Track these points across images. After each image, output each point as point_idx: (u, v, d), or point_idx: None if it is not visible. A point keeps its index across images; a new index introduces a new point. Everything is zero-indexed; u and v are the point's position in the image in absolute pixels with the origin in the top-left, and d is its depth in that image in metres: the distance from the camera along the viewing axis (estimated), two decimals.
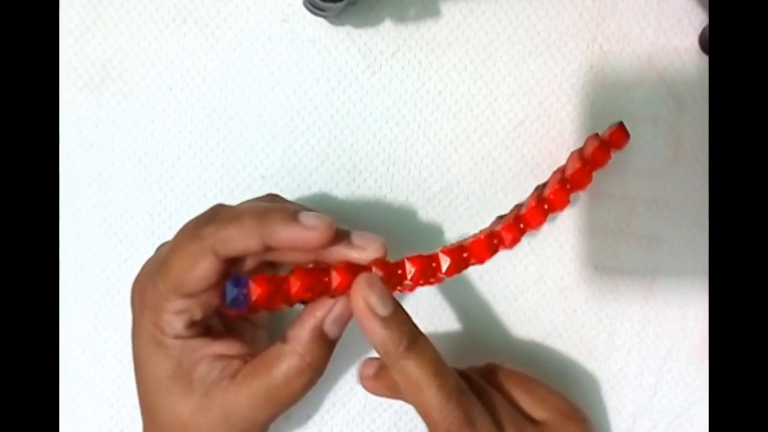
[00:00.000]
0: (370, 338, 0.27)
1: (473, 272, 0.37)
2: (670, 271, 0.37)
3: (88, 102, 0.35)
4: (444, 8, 0.36)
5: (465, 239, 0.32)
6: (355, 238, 0.27)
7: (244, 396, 0.27)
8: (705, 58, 0.37)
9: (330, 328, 0.27)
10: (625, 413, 0.37)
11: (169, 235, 0.29)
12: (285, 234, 0.26)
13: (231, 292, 0.26)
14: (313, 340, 0.27)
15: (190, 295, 0.27)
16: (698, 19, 0.37)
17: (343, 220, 0.28)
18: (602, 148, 0.33)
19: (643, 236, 0.37)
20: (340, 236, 0.27)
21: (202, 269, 0.26)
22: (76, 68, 0.35)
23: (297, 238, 0.26)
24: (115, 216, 0.36)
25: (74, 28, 0.35)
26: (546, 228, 0.36)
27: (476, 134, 0.36)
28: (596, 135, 0.35)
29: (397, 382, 0.28)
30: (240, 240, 0.26)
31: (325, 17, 0.35)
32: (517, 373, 0.33)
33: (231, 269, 0.27)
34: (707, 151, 0.36)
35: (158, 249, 0.30)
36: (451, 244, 0.31)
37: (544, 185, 0.35)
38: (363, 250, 0.27)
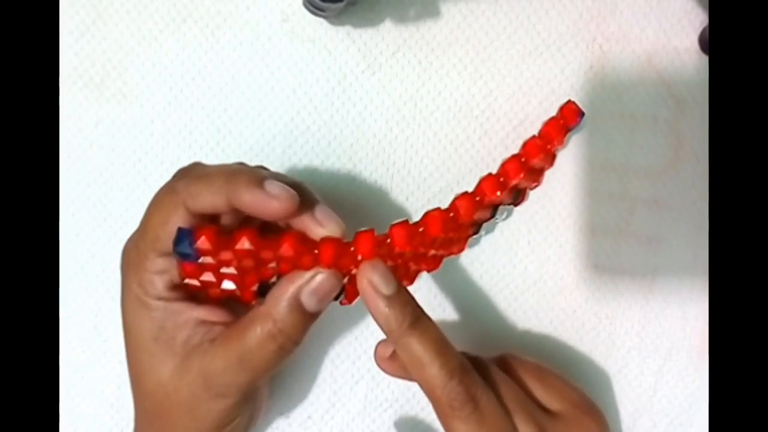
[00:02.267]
0: (375, 316, 0.27)
1: (472, 272, 0.37)
2: (670, 271, 0.37)
3: (88, 102, 0.35)
4: (444, 8, 0.36)
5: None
6: (318, 212, 0.28)
7: (220, 358, 0.27)
8: (705, 58, 0.37)
9: (307, 299, 0.27)
10: (625, 413, 0.37)
11: None
12: (247, 197, 0.26)
13: (179, 236, 0.25)
14: (288, 308, 0.27)
15: (167, 254, 0.27)
16: (698, 19, 0.37)
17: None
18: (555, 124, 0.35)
19: (643, 236, 0.37)
20: (306, 206, 0.27)
21: (175, 223, 0.26)
22: (76, 68, 0.35)
23: (258, 204, 0.26)
24: (115, 216, 0.36)
25: (74, 28, 0.35)
26: (546, 228, 0.36)
27: (476, 134, 0.36)
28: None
29: (402, 360, 0.28)
30: (207, 196, 0.26)
31: (325, 17, 0.35)
32: (532, 363, 0.33)
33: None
34: (707, 151, 0.36)
35: None
36: (404, 220, 0.29)
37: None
38: (319, 226, 0.27)
